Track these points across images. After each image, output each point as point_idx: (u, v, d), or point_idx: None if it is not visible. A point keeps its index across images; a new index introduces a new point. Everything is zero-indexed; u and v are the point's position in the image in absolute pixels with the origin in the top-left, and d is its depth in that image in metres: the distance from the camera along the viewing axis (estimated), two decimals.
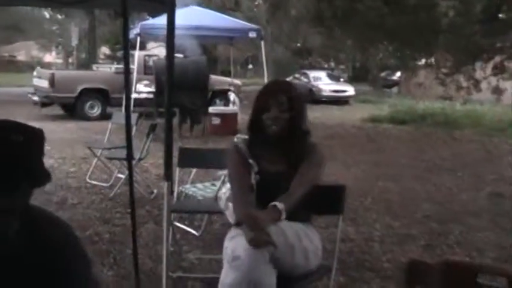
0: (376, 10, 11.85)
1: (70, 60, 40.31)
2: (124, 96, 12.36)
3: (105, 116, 14.61)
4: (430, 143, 12.76)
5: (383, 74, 33.95)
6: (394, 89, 32.81)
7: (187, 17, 12.48)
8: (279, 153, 3.17)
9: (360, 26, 12.77)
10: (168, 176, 3.15)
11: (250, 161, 3.13)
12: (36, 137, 1.74)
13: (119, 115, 8.84)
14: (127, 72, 3.50)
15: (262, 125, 3.13)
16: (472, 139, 13.42)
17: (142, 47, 16.71)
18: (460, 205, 7.05)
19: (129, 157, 3.48)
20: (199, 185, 5.88)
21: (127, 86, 3.43)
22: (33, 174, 1.70)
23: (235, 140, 3.27)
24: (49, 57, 46.91)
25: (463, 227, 6.03)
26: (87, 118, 15.76)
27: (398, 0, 11.82)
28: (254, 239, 2.72)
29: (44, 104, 16.59)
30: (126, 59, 3.54)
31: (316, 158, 3.18)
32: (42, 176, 1.74)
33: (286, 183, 3.04)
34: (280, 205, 2.89)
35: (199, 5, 17.11)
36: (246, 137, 3.28)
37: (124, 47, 3.56)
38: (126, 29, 3.48)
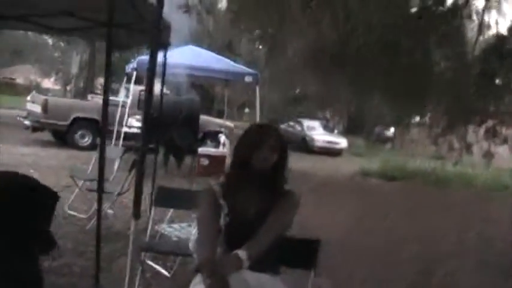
0: (372, 64, 11.90)
1: (68, 88, 40.42)
2: (115, 129, 12.32)
3: (95, 147, 14.51)
4: (417, 201, 12.69)
5: (377, 129, 34.07)
6: (388, 145, 32.88)
7: (184, 55, 12.53)
8: (254, 195, 3.10)
9: (356, 77, 12.83)
10: (136, 214, 3.05)
11: (221, 201, 3.07)
12: (50, 198, 1.69)
13: (109, 148, 8.76)
14: (105, 103, 3.44)
15: (248, 164, 3.08)
16: (461, 200, 13.35)
17: (140, 82, 16.74)
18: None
19: (100, 190, 3.39)
20: (176, 226, 5.82)
21: (104, 117, 3.35)
22: (43, 237, 1.66)
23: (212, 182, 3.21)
24: (48, 83, 46.96)
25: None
26: (77, 147, 15.67)
27: (396, 56, 11.87)
28: (211, 287, 2.65)
29: (35, 129, 16.52)
30: (106, 88, 3.50)
31: (288, 204, 3.12)
32: (51, 241, 1.69)
33: (256, 227, 2.97)
34: (242, 254, 2.80)
35: (199, 45, 17.24)
36: (221, 179, 3.21)
37: (105, 77, 3.52)
38: (109, 59, 3.43)
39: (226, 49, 25.44)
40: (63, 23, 5.34)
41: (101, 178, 3.29)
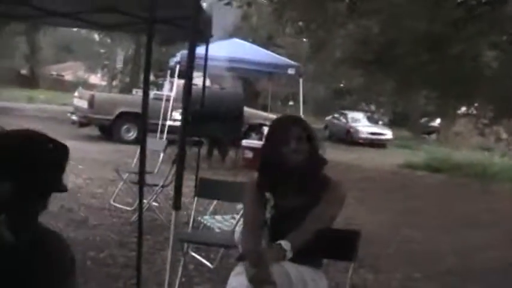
0: (417, 56, 11.75)
1: (114, 83, 41.03)
2: (160, 122, 12.46)
3: (140, 140, 14.68)
4: (463, 194, 12.47)
5: (423, 120, 33.59)
6: (433, 136, 32.39)
7: (228, 48, 12.57)
8: (296, 187, 3.10)
9: (401, 71, 12.70)
10: (177, 205, 3.10)
11: (267, 194, 3.08)
12: (63, 150, 1.86)
13: (152, 141, 8.91)
14: (145, 95, 3.48)
15: (280, 158, 3.07)
16: (508, 194, 13.05)
17: (184, 76, 16.85)
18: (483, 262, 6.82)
19: (141, 182, 3.45)
20: (218, 217, 5.86)
21: (144, 109, 3.40)
22: (56, 184, 1.80)
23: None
24: (95, 79, 47.72)
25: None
26: (123, 141, 15.88)
27: (441, 47, 11.69)
28: (254, 277, 2.69)
29: (82, 124, 16.84)
30: (146, 86, 3.53)
31: (334, 196, 3.10)
32: (62, 187, 1.84)
33: (302, 219, 2.98)
34: (285, 244, 2.84)
35: (242, 38, 17.30)
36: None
37: (145, 72, 3.56)
38: (149, 54, 3.46)
39: (269, 42, 25.44)
40: (108, 18, 5.43)
41: (142, 170, 3.35)
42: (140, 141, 3.50)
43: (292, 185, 3.10)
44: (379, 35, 11.67)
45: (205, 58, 6.43)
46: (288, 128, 3.11)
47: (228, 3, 10.14)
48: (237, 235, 3.29)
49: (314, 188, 3.08)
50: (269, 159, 3.15)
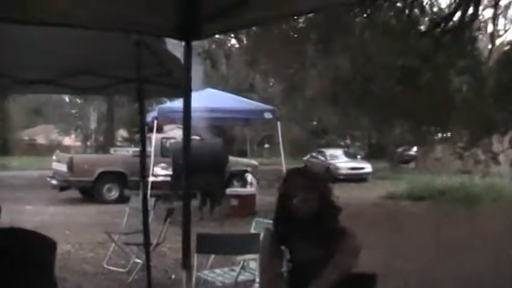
0: (389, 89, 11.96)
1: (88, 143, 40.84)
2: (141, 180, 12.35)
3: (123, 199, 14.55)
4: (448, 221, 12.49)
5: (399, 150, 33.86)
6: (412, 165, 32.63)
7: (203, 99, 12.61)
8: (310, 237, 3.14)
9: (374, 105, 12.89)
10: (187, 264, 3.09)
11: (283, 247, 3.11)
12: None
13: (136, 199, 8.83)
14: (143, 155, 3.50)
15: (291, 211, 3.13)
16: (494, 214, 13.13)
17: (160, 130, 16.88)
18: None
19: (147, 244, 3.43)
20: (218, 271, 5.81)
21: (143, 171, 3.41)
22: None
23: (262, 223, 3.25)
24: (68, 141, 47.47)
25: None
26: (105, 201, 15.75)
27: (412, 78, 11.93)
28: None
29: (62, 188, 16.70)
30: (143, 143, 3.56)
31: (350, 245, 3.16)
32: None
33: (319, 269, 3.02)
34: None
35: (215, 87, 17.41)
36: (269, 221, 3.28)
37: (141, 130, 3.58)
38: (142, 114, 3.49)
39: (242, 88, 25.63)
40: (88, 82, 5.43)
41: (147, 232, 3.34)
42: (142, 201, 3.47)
43: (306, 236, 3.13)
44: (351, 72, 11.88)
45: (189, 112, 6.45)
46: (294, 180, 3.19)
47: (206, 58, 10.28)
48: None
49: (330, 240, 3.12)
50: (281, 213, 3.21)
